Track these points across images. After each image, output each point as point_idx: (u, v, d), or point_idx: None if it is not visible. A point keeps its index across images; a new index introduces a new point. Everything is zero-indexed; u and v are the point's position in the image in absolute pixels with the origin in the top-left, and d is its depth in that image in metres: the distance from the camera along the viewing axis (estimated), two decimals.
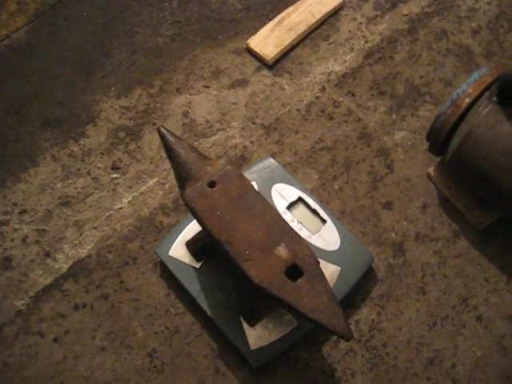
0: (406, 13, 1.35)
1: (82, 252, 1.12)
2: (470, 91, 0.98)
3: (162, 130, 0.93)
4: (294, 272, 0.83)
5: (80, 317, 1.06)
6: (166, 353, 1.02)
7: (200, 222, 0.89)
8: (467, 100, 0.98)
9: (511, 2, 1.35)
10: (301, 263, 0.83)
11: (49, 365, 1.02)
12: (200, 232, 1.04)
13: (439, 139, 1.03)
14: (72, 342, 1.04)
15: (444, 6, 1.35)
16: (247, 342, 0.97)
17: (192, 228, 1.07)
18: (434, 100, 1.23)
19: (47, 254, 1.12)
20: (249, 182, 0.90)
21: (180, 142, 0.93)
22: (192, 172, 0.90)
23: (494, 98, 0.95)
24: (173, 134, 0.93)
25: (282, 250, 0.84)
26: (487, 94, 0.98)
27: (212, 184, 0.88)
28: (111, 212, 1.16)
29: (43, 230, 1.15)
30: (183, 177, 0.90)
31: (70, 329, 1.05)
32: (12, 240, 1.14)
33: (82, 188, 1.19)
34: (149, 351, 1.02)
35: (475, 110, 0.97)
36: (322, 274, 0.83)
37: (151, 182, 1.18)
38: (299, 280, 0.82)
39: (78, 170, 1.21)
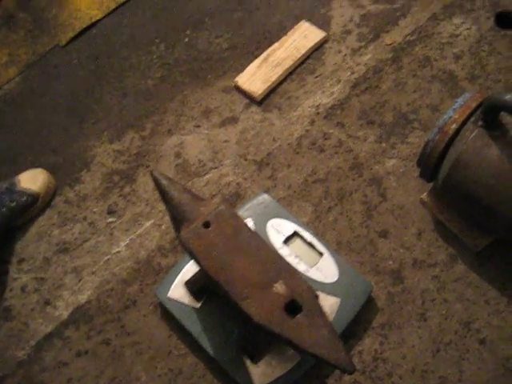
0: (389, 42, 1.37)
1: (82, 298, 1.12)
2: (455, 117, 1.00)
3: (155, 173, 0.94)
4: (292, 308, 0.83)
5: (83, 364, 1.06)
6: None
7: (197, 262, 0.90)
8: (454, 126, 1.00)
9: (490, 26, 1.38)
10: (299, 299, 0.83)
11: None
12: (198, 272, 1.04)
13: (429, 165, 1.04)
14: None
15: (426, 34, 1.38)
16: (251, 380, 0.97)
17: (190, 268, 1.07)
18: (422, 126, 1.24)
19: (47, 302, 1.12)
20: (243, 221, 0.90)
21: (173, 184, 0.94)
22: (187, 213, 0.90)
23: (480, 123, 0.96)
24: (166, 177, 0.94)
25: (279, 287, 0.84)
26: (472, 118, 0.99)
27: (207, 224, 0.89)
28: (109, 256, 1.16)
29: (42, 278, 1.15)
30: (178, 218, 0.91)
31: (73, 377, 1.04)
32: (11, 290, 1.14)
33: (79, 234, 1.19)
34: None
35: (462, 135, 0.98)
36: (321, 308, 0.83)
37: (147, 224, 1.19)
38: (298, 316, 0.82)
39: (75, 215, 1.22)
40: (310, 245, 1.08)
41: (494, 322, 1.03)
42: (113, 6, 1.49)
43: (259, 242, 0.89)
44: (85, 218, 1.21)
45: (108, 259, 1.16)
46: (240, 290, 0.84)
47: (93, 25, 1.47)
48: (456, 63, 1.32)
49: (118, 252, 1.16)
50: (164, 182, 0.94)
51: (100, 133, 1.31)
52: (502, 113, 0.93)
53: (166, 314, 1.07)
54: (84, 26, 1.46)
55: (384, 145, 1.23)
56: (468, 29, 1.38)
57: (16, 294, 1.14)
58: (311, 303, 0.83)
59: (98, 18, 1.47)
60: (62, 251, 1.18)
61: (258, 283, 0.85)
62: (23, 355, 1.07)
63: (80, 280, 1.14)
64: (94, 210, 1.22)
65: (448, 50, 1.35)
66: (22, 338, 1.09)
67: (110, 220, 1.20)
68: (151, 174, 0.94)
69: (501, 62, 1.31)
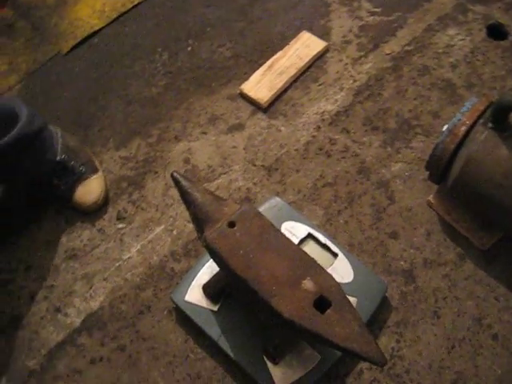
0: (388, 52, 1.42)
1: (94, 305, 1.11)
2: (465, 120, 1.03)
3: (176, 174, 0.94)
4: (322, 304, 0.84)
5: (97, 371, 1.04)
6: None
7: (222, 262, 0.90)
8: (463, 128, 1.03)
9: (483, 37, 1.44)
10: (328, 294, 0.84)
11: None
12: (216, 275, 1.04)
13: (440, 167, 1.07)
14: None
15: (422, 44, 1.42)
16: (273, 382, 0.97)
17: (206, 271, 1.07)
18: (424, 132, 1.28)
19: (58, 310, 1.11)
20: (268, 220, 0.91)
21: (195, 185, 0.94)
22: (210, 214, 0.91)
23: (489, 124, 1.00)
24: (187, 178, 0.95)
25: (308, 284, 0.85)
26: (481, 121, 1.03)
27: (232, 224, 0.90)
28: (120, 262, 1.15)
29: (51, 286, 1.14)
30: (201, 219, 0.91)
31: None
32: (19, 298, 1.12)
33: (88, 240, 1.18)
34: None
35: (472, 136, 1.02)
36: (350, 302, 0.84)
37: (158, 230, 1.19)
38: (328, 311, 0.83)
39: (83, 222, 1.20)
40: (325, 246, 1.10)
41: (505, 318, 1.06)
42: (114, 15, 1.50)
43: (285, 240, 0.90)
44: (93, 225, 1.20)
45: (119, 265, 1.15)
46: (269, 287, 0.85)
47: (94, 34, 1.47)
48: (453, 72, 1.37)
49: (130, 258, 1.15)
50: (185, 183, 0.94)
51: (106, 140, 1.31)
52: None
53: (182, 318, 1.07)
54: (85, 35, 1.46)
55: (389, 149, 1.27)
56: (462, 39, 1.43)
57: (25, 303, 1.12)
58: (340, 298, 0.85)
59: (99, 27, 1.48)
60: (71, 258, 1.16)
61: (287, 280, 0.86)
62: (34, 364, 1.05)
63: (91, 287, 1.13)
64: (103, 216, 1.21)
65: (444, 60, 1.40)
66: (33, 347, 1.07)
67: (120, 226, 1.19)
68: (172, 176, 0.95)
69: (495, 71, 1.37)
